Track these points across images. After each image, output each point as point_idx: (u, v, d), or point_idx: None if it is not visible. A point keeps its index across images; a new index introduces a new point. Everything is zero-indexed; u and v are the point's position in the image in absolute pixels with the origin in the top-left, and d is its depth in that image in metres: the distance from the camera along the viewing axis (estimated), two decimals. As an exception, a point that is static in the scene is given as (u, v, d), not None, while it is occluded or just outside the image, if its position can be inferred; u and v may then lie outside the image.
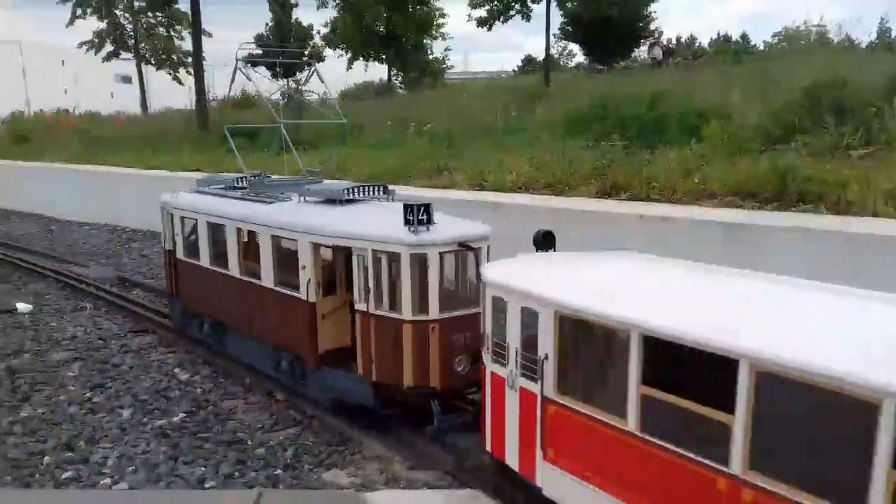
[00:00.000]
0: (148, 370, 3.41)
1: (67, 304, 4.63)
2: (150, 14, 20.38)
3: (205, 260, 3.49)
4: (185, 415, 2.89)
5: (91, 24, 20.23)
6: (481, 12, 19.10)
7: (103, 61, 21.18)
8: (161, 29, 20.84)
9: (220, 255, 3.42)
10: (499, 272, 2.55)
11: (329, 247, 2.97)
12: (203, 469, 2.43)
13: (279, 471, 2.42)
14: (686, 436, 1.93)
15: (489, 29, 19.01)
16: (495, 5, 18.28)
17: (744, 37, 23.84)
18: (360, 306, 2.74)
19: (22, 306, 4.48)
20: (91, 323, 4.21)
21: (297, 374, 2.98)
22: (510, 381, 2.42)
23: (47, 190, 12.10)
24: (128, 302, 4.58)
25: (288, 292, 2.97)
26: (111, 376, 3.35)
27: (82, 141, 14.22)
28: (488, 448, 2.41)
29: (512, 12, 18.58)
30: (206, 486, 2.33)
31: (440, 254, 2.83)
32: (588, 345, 2.25)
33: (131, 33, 20.61)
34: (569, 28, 29.52)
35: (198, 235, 3.56)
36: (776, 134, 5.68)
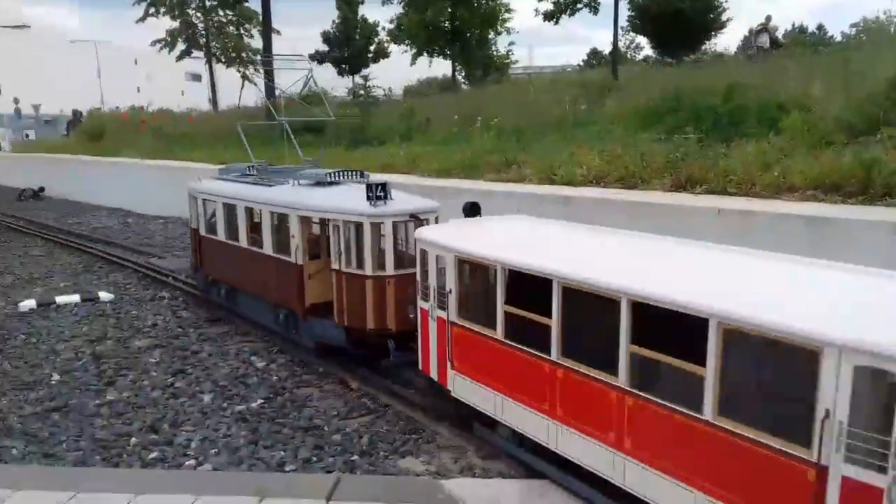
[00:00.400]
0: (226, 357, 3.49)
1: (146, 294, 4.78)
2: (220, 13, 20.87)
3: (221, 235, 4.17)
4: (263, 401, 2.95)
5: (164, 23, 20.83)
6: (548, 5, 18.94)
7: (176, 60, 21.76)
8: (231, 27, 21.29)
9: (232, 231, 4.08)
10: (425, 233, 3.20)
11: (315, 221, 3.67)
12: (282, 453, 2.48)
13: (356, 457, 2.45)
14: (532, 339, 2.52)
15: (556, 22, 18.79)
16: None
17: (820, 28, 23.01)
18: (334, 266, 3.33)
19: (104, 295, 4.65)
20: (169, 311, 4.34)
21: (290, 325, 3.59)
22: (431, 313, 2.99)
23: (124, 185, 12.53)
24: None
25: (282, 257, 3.59)
26: (191, 363, 3.44)
27: (156, 137, 14.67)
28: (420, 367, 2.93)
29: (579, 5, 18.38)
30: (286, 469, 2.38)
31: (394, 223, 3.41)
32: (475, 279, 2.87)
33: (203, 32, 21.13)
34: (637, 20, 29.02)
35: (216, 215, 4.26)
36: (859, 126, 5.47)
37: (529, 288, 2.53)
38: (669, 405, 2.06)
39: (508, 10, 24.17)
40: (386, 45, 29.93)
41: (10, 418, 2.88)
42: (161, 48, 21.21)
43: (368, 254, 3.31)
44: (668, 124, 7.09)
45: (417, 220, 3.52)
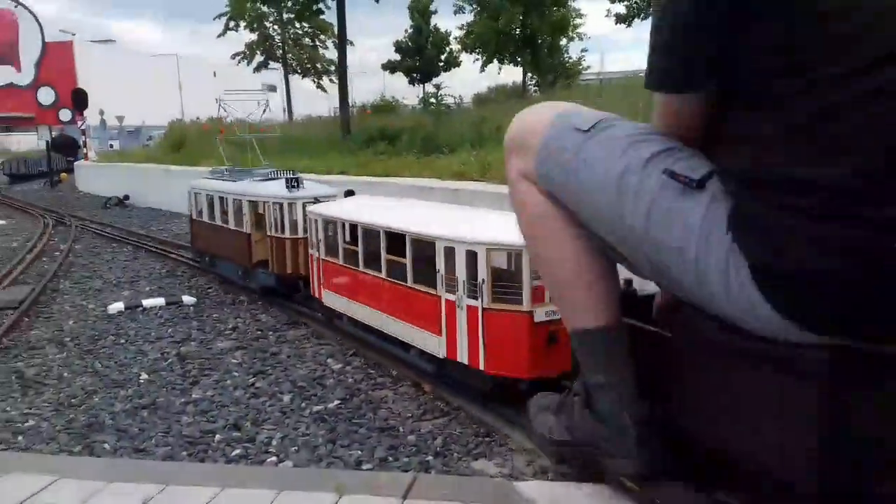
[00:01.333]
0: (303, 359, 3.59)
1: (227, 298, 4.94)
2: (297, 25, 21.41)
3: (205, 218, 5.61)
4: (339, 402, 3.02)
5: (241, 37, 21.47)
6: (620, 7, 18.72)
7: (254, 71, 22.40)
8: (307, 39, 21.79)
9: (210, 213, 5.50)
10: (311, 207, 4.43)
11: (258, 203, 4.96)
12: (359, 452, 2.54)
13: (430, 457, 2.49)
14: (355, 261, 3.75)
15: (628, 25, 18.59)
16: (636, 1, 17.88)
17: None
18: (269, 233, 4.76)
19: (187, 299, 4.82)
20: (249, 315, 4.47)
21: (244, 276, 5.06)
22: (314, 256, 4.23)
23: (204, 192, 12.92)
24: (283, 297, 4.78)
25: (239, 230, 5.07)
26: (270, 364, 3.55)
27: (232, 147, 15.10)
28: (311, 292, 4.27)
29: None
30: (363, 467, 2.44)
31: (303, 203, 4.70)
32: (332, 232, 4.06)
33: (279, 44, 21.74)
34: (712, 24, 28.33)
35: (202, 204, 5.67)
36: None
37: (352, 232, 3.85)
38: (397, 281, 3.39)
39: (580, 16, 23.99)
40: (457, 54, 30.10)
41: (102, 415, 3.02)
42: (240, 61, 21.88)
43: (287, 224, 4.71)
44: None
45: (318, 202, 4.72)
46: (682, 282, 0.89)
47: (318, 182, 5.79)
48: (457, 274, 3.07)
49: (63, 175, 18.17)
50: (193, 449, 2.62)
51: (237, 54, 21.87)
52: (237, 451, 2.57)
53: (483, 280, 2.91)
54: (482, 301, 2.89)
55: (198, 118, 26.21)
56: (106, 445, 2.69)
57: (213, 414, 2.92)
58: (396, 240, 3.52)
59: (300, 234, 4.64)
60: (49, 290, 5.43)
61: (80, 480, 2.33)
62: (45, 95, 27.20)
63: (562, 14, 23.45)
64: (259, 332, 4.06)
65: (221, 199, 5.37)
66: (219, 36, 19.95)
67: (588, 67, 29.71)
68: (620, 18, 19.34)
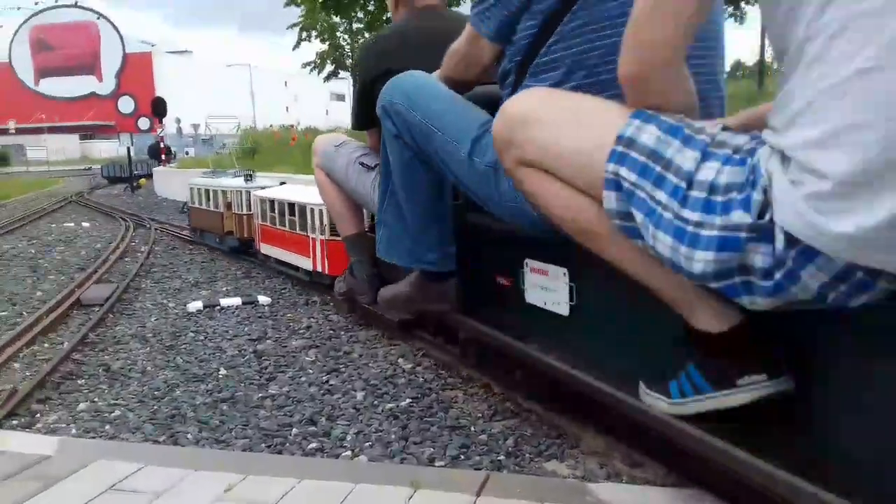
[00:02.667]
0: (375, 359, 3.64)
1: (300, 299, 5.05)
2: (366, 35, 21.73)
3: (197, 204, 7.48)
4: (411, 400, 3.06)
5: (312, 47, 21.91)
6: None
7: (324, 81, 22.84)
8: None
9: (200, 200, 7.37)
10: (256, 192, 6.36)
11: (227, 192, 6.90)
12: (432, 449, 2.56)
13: (502, 457, 2.50)
14: (276, 222, 5.73)
15: (699, 33, 18.23)
16: (707, 8, 17.57)
17: None
18: (234, 212, 6.80)
19: (262, 299, 4.94)
20: (322, 315, 4.56)
21: (220, 242, 7.17)
22: (257, 224, 6.34)
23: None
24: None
25: (216, 210, 7.15)
26: (343, 362, 3.61)
27: (304, 153, 15.45)
28: (255, 248, 6.53)
29: (725, 16, 17.82)
30: (436, 464, 2.47)
31: (252, 191, 6.52)
32: (265, 205, 5.96)
33: (349, 53, 22.10)
34: (786, 30, 27.59)
35: (195, 193, 7.43)
36: None
37: (272, 205, 5.81)
38: (292, 231, 5.37)
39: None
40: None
41: (184, 407, 3.13)
42: (311, 70, 22.34)
43: (244, 204, 6.67)
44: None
45: (263, 189, 6.56)
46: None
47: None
48: (315, 222, 5.04)
49: (142, 180, 18.86)
50: (271, 441, 2.69)
51: (308, 63, 22.33)
52: (313, 445, 2.63)
53: (324, 225, 4.85)
54: (324, 236, 4.88)
55: (271, 125, 26.89)
56: (189, 436, 2.78)
57: (290, 409, 3.00)
58: (292, 207, 5.41)
59: (251, 212, 6.50)
60: (132, 288, 5.66)
61: (165, 468, 2.44)
62: (125, 104, 28.30)
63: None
64: (331, 332, 4.14)
65: (206, 190, 7.43)
66: (294, 48, 20.42)
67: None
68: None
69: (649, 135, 1.31)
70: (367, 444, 2.65)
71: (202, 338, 4.08)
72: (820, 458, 1.22)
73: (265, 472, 2.37)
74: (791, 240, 1.10)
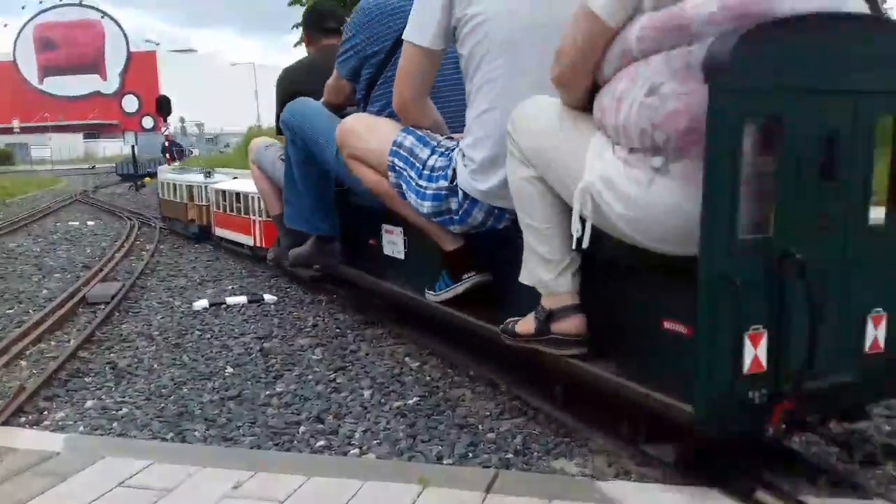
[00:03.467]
0: (381, 357, 3.64)
1: (306, 297, 5.05)
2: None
3: (166, 196, 8.80)
4: (418, 398, 3.06)
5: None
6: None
7: (328, 80, 22.81)
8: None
9: (168, 192, 8.68)
10: (212, 185, 7.40)
11: (191, 186, 7.93)
12: (440, 447, 2.56)
13: (510, 455, 2.50)
14: (229, 209, 6.77)
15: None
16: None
17: None
18: (195, 203, 7.74)
19: (268, 297, 4.94)
20: (328, 313, 4.56)
21: (185, 228, 8.20)
22: (212, 211, 7.32)
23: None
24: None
25: (181, 201, 8.13)
26: (350, 361, 3.61)
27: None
28: (211, 233, 7.50)
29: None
30: (444, 462, 2.47)
31: (210, 185, 7.41)
32: (220, 196, 6.96)
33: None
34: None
35: (165, 187, 8.82)
36: None
37: (223, 195, 6.88)
38: (238, 215, 6.43)
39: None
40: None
41: (191, 405, 3.13)
42: (314, 68, 22.26)
43: (203, 196, 7.57)
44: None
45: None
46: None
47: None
48: (254, 207, 6.12)
49: (147, 179, 18.89)
50: (279, 439, 2.70)
51: (312, 62, 22.28)
52: (321, 443, 2.63)
53: (261, 209, 5.85)
54: (261, 218, 5.93)
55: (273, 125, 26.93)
56: (196, 433, 2.79)
57: (297, 407, 3.00)
58: (237, 196, 6.49)
59: (209, 202, 7.43)
60: (137, 286, 5.67)
61: (173, 465, 2.44)
62: (129, 103, 28.30)
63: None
64: (338, 330, 4.14)
65: (173, 184, 8.52)
66: (295, 45, 20.39)
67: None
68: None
69: (409, 141, 2.59)
70: (376, 441, 2.65)
71: (208, 336, 4.08)
72: (501, 314, 2.43)
73: (274, 470, 2.37)
74: (465, 195, 2.39)
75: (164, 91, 28.09)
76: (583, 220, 1.82)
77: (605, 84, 1.75)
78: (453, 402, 3.02)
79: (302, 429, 2.79)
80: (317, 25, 4.15)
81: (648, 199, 1.67)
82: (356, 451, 2.57)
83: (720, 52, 1.45)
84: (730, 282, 1.55)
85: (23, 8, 62.99)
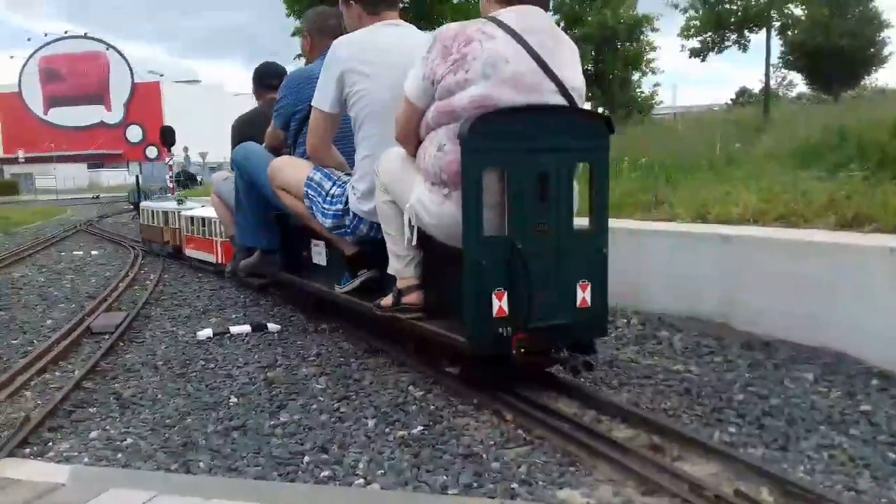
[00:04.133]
0: (385, 386, 3.64)
1: (310, 326, 5.05)
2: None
3: (146, 222, 9.90)
4: (422, 427, 3.05)
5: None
6: (694, 43, 18.55)
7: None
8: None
9: (147, 218, 9.85)
10: (183, 212, 8.44)
11: (167, 213, 8.90)
12: (444, 477, 2.56)
13: (515, 485, 2.50)
14: (195, 231, 8.00)
15: (703, 60, 18.41)
16: (710, 36, 17.69)
17: None
18: (170, 227, 8.75)
19: (272, 326, 4.94)
20: (331, 342, 4.56)
21: (161, 249, 9.16)
22: (183, 234, 8.50)
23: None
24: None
25: (157, 225, 9.23)
26: (354, 390, 3.61)
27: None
28: (183, 254, 8.70)
29: (728, 42, 17.91)
30: (449, 492, 2.46)
31: (182, 211, 8.34)
32: (189, 222, 8.04)
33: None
34: (790, 57, 27.76)
35: (145, 213, 10.00)
36: None
37: (191, 220, 7.85)
38: (205, 236, 7.55)
39: (653, 49, 23.84)
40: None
41: (195, 435, 3.13)
42: (316, 98, 22.47)
43: (176, 221, 8.49)
44: (829, 161, 6.77)
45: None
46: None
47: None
48: (215, 230, 6.99)
49: (150, 208, 18.92)
50: (283, 469, 2.69)
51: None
52: (325, 473, 2.63)
53: (221, 231, 6.62)
54: (221, 238, 6.74)
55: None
56: (201, 464, 2.79)
57: (301, 436, 3.00)
58: (203, 220, 7.54)
59: (180, 226, 8.45)
60: (142, 316, 5.68)
61: (179, 496, 2.44)
62: (134, 133, 28.43)
63: (635, 49, 23.38)
64: (341, 359, 4.14)
65: (152, 211, 9.69)
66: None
67: (661, 102, 29.47)
68: (694, 53, 19.18)
69: (318, 176, 3.75)
70: (380, 471, 2.64)
71: (212, 365, 4.09)
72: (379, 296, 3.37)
73: (278, 500, 2.37)
74: (354, 214, 3.53)
75: (168, 121, 28.27)
76: (412, 227, 2.96)
77: (421, 143, 2.91)
78: (457, 430, 3.02)
79: (306, 459, 2.78)
80: (260, 82, 5.42)
81: (441, 213, 2.81)
82: (360, 481, 2.56)
83: (464, 128, 2.60)
84: (481, 263, 2.68)
85: (28, 40, 63.86)
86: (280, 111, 4.24)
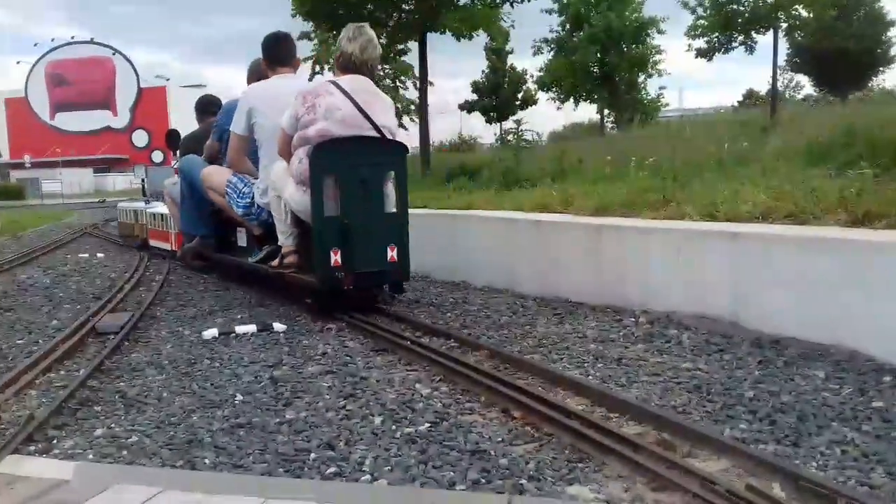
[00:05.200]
0: (392, 384, 3.62)
1: (315, 325, 5.02)
2: (379, 67, 21.93)
3: (122, 219, 12.02)
4: (429, 424, 3.03)
5: (325, 79, 22.12)
6: (701, 43, 18.47)
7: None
8: (388, 81, 22.25)
9: (123, 216, 11.97)
10: (147, 209, 10.46)
11: (137, 212, 10.85)
12: (452, 473, 2.53)
13: (524, 481, 2.47)
14: (152, 224, 9.93)
15: (709, 60, 18.30)
16: (716, 37, 17.61)
17: None
18: (140, 223, 10.54)
19: (278, 326, 4.92)
20: (337, 341, 4.54)
21: (134, 242, 10.70)
22: (147, 227, 10.29)
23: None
24: (368, 324, 4.83)
25: (131, 222, 10.96)
26: (360, 388, 3.58)
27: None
28: (148, 245, 10.29)
29: (734, 43, 17.84)
30: (457, 488, 2.43)
31: (149, 209, 10.00)
32: (152, 217, 10.03)
33: (361, 85, 22.31)
34: (796, 59, 27.70)
35: (122, 212, 12.19)
36: None
37: (154, 216, 9.75)
38: (164, 229, 9.15)
39: (659, 52, 23.74)
40: (534, 92, 30.12)
41: (201, 433, 3.10)
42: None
43: (144, 218, 10.04)
44: (838, 160, 6.71)
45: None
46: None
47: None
48: (171, 224, 8.09)
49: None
50: (290, 466, 2.67)
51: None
52: (332, 469, 2.60)
53: (174, 224, 7.58)
54: (175, 230, 7.90)
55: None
56: (206, 461, 2.76)
57: (307, 434, 2.98)
58: (162, 216, 8.83)
59: (146, 222, 9.92)
60: (147, 316, 5.66)
61: (184, 493, 2.41)
62: (139, 138, 28.58)
63: (641, 51, 23.29)
64: (348, 358, 4.12)
65: (125, 210, 11.66)
66: (310, 79, 20.65)
67: (667, 104, 29.36)
68: (701, 53, 19.10)
69: (234, 179, 5.85)
70: (387, 468, 2.62)
71: (218, 364, 4.07)
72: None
73: (284, 496, 2.34)
74: (258, 206, 5.67)
75: (173, 125, 28.37)
76: (287, 212, 4.91)
77: (291, 157, 4.70)
78: (465, 427, 2.99)
79: (312, 455, 2.76)
80: (203, 109, 7.48)
81: (303, 202, 4.62)
82: (367, 477, 2.54)
83: (312, 150, 4.51)
84: (323, 232, 4.53)
85: (35, 45, 64.12)
86: (217, 129, 6.20)
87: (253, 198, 5.51)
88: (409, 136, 16.89)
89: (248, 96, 5.32)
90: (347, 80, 4.55)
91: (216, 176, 5.91)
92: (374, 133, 4.53)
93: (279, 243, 5.01)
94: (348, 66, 4.59)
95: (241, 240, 6.23)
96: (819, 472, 2.39)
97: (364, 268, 4.58)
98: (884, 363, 3.37)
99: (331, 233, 4.47)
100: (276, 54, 5.44)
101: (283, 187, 4.77)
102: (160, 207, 9.50)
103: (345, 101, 4.47)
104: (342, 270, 4.51)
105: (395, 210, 4.64)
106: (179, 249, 7.25)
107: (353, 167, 4.46)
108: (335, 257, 4.49)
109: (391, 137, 4.62)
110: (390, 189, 4.63)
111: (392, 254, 4.61)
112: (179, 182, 6.65)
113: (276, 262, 5.09)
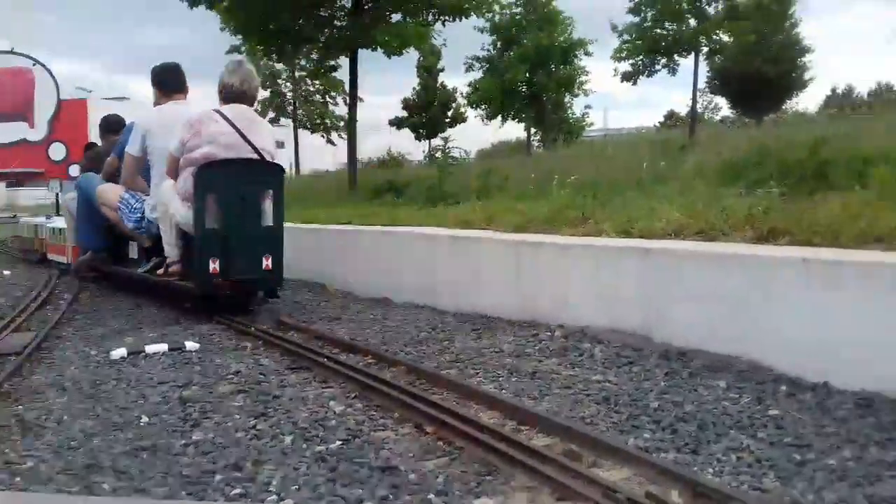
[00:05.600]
0: (305, 402, 3.56)
1: (230, 343, 4.92)
2: (308, 82, 21.75)
3: (20, 234, 13.03)
4: (341, 442, 2.98)
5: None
6: (626, 66, 18.98)
7: (263, 128, 22.79)
8: (318, 96, 22.16)
9: (23, 231, 12.52)
10: (47, 224, 10.74)
11: (37, 226, 11.42)
12: (360, 491, 2.49)
13: (431, 496, 2.45)
14: (60, 239, 9.94)
15: (634, 83, 18.84)
16: (641, 59, 18.14)
17: (907, 84, 22.55)
18: (40, 237, 11.07)
19: (190, 345, 4.80)
20: (251, 359, 4.45)
21: (33, 255, 11.37)
22: (46, 242, 10.54)
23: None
24: (284, 342, 4.74)
25: (31, 236, 11.93)
26: (272, 406, 3.51)
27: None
28: (49, 259, 10.87)
29: (658, 66, 18.40)
30: (363, 505, 2.40)
31: (49, 224, 10.53)
32: (51, 231, 10.23)
33: (291, 101, 22.05)
34: (716, 82, 28.76)
35: (21, 227, 13.04)
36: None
37: (53, 230, 10.06)
38: (60, 243, 9.71)
39: (586, 73, 24.27)
40: (463, 110, 30.40)
41: (101, 456, 2.98)
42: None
43: (44, 233, 10.28)
44: (750, 179, 6.96)
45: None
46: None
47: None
48: (67, 237, 8.24)
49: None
50: (193, 488, 2.59)
51: (247, 111, 22.23)
52: (237, 490, 2.54)
53: (70, 237, 7.81)
54: (71, 244, 8.41)
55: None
56: (105, 486, 2.66)
57: (214, 455, 2.90)
58: (59, 230, 9.04)
59: (45, 236, 10.08)
60: (52, 336, 5.43)
61: (74, 518, 2.28)
62: (56, 151, 27.60)
63: (569, 71, 23.79)
64: (261, 376, 4.04)
65: (25, 225, 12.04)
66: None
67: (592, 124, 30.02)
68: (626, 77, 19.66)
69: (127, 195, 6.41)
70: (294, 487, 2.57)
71: (125, 385, 3.93)
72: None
73: (183, 520, 2.26)
74: (148, 220, 6.15)
75: (93, 139, 27.50)
76: (173, 226, 5.50)
77: (178, 177, 5.31)
78: (377, 444, 2.96)
79: (218, 477, 2.68)
80: (108, 128, 8.07)
81: (187, 216, 5.19)
82: (274, 497, 2.48)
83: (197, 171, 5.14)
84: (204, 243, 5.12)
85: (-53, 55, 61.15)
86: (119, 147, 6.61)
87: (143, 213, 6.05)
88: (338, 152, 16.78)
89: (143, 120, 5.95)
90: (229, 109, 5.17)
91: (110, 193, 6.48)
92: (254, 155, 5.16)
93: (165, 254, 5.62)
94: (230, 96, 5.21)
95: (133, 252, 6.87)
96: (715, 478, 2.46)
97: (239, 275, 5.11)
98: (782, 373, 3.50)
99: (211, 244, 5.02)
100: (170, 82, 6.15)
101: (169, 203, 5.33)
102: (59, 222, 9.94)
103: (227, 127, 5.08)
104: (220, 277, 5.05)
105: (271, 224, 5.22)
106: (75, 262, 7.96)
107: (233, 185, 5.01)
108: (213, 265, 5.02)
109: (269, 159, 5.28)
110: (268, 205, 5.19)
111: (267, 263, 5.15)
112: (77, 197, 7.26)
113: (162, 271, 5.71)
